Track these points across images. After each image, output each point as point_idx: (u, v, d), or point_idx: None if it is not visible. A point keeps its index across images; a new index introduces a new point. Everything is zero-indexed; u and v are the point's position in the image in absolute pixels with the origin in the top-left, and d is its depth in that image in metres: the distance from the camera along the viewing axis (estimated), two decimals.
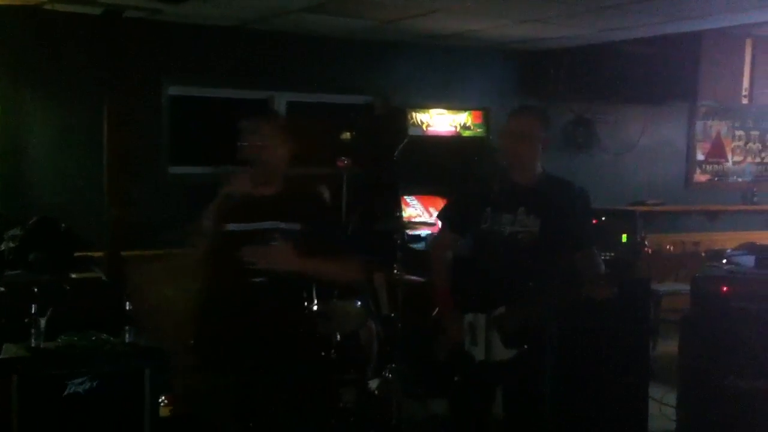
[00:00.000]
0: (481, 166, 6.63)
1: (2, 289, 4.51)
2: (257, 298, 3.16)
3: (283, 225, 3.17)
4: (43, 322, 3.97)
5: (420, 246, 6.16)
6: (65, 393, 3.82)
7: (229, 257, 3.12)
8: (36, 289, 4.20)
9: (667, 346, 5.78)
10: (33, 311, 3.98)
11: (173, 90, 6.20)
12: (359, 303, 4.90)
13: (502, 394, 3.64)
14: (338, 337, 4.65)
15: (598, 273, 3.48)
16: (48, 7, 5.36)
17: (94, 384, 3.86)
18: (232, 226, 3.18)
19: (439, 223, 3.96)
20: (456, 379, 3.60)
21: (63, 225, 5.11)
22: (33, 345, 3.96)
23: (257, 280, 3.14)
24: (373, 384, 5.10)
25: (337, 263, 3.35)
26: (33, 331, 3.97)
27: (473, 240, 3.63)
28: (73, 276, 4.81)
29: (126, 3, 5.27)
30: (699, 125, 8.39)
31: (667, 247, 4.30)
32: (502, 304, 3.45)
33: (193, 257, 3.26)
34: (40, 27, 5.53)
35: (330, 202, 3.55)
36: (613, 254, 4.89)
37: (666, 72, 7.32)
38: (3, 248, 4.99)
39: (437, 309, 3.71)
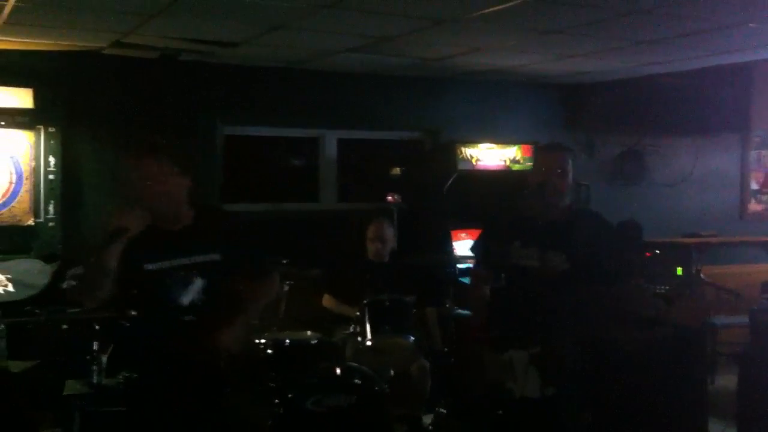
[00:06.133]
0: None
1: (64, 326, 4.61)
2: (189, 336, 3.02)
3: (201, 258, 3.04)
4: (104, 359, 4.06)
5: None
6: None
7: (153, 298, 3.03)
8: (97, 327, 4.29)
9: (726, 380, 5.66)
10: (94, 348, 4.07)
11: (227, 129, 6.35)
12: (412, 338, 4.91)
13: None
14: (391, 372, 4.66)
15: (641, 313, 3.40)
16: (107, 52, 5.56)
17: None
18: (149, 266, 3.00)
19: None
20: (496, 414, 3.56)
21: None
22: (94, 381, 4.05)
23: (186, 318, 3.03)
24: (427, 419, 5.10)
25: (263, 286, 3.29)
26: (94, 367, 4.06)
27: (504, 275, 3.61)
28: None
29: (181, 47, 5.44)
30: (753, 155, 8.26)
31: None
32: (533, 340, 3.40)
33: (95, 298, 3.02)
34: (99, 71, 5.73)
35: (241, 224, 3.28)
36: (667, 287, 4.83)
37: (717, 103, 7.25)
38: (65, 286, 5.12)
39: (472, 344, 3.69)
